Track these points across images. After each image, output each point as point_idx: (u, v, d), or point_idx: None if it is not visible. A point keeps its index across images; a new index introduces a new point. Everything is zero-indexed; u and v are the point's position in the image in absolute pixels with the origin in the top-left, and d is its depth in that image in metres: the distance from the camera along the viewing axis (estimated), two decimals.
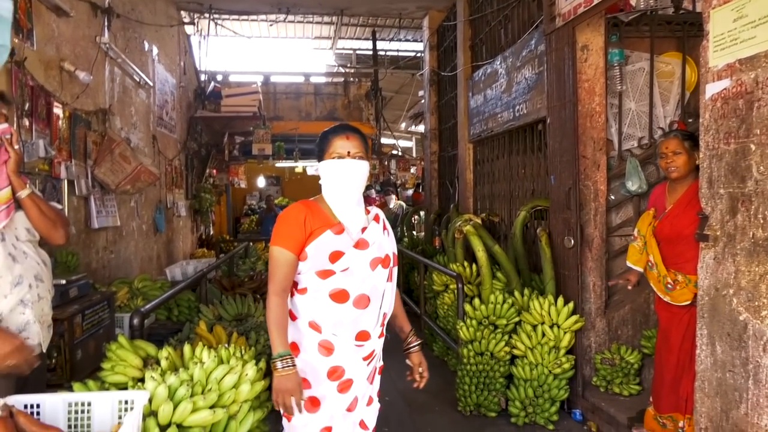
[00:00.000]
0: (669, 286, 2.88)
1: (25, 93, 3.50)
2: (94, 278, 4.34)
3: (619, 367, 3.69)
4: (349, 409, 2.00)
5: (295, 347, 1.98)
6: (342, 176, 1.96)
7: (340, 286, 1.93)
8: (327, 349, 1.95)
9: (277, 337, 1.87)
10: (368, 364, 2.02)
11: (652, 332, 3.68)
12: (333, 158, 1.96)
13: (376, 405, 2.15)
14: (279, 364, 1.83)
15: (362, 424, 2.08)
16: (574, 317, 3.68)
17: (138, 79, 5.98)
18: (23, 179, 2.05)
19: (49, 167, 3.87)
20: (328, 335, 1.95)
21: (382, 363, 2.17)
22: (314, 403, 1.95)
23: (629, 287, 3.24)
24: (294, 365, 1.85)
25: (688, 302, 2.78)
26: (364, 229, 2.00)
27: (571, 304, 3.71)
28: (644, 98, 3.98)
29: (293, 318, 2.01)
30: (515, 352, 3.81)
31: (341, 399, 1.97)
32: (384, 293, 2.01)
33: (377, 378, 2.15)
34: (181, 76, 8.30)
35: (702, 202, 2.36)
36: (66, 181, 4.13)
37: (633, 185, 3.79)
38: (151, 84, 6.53)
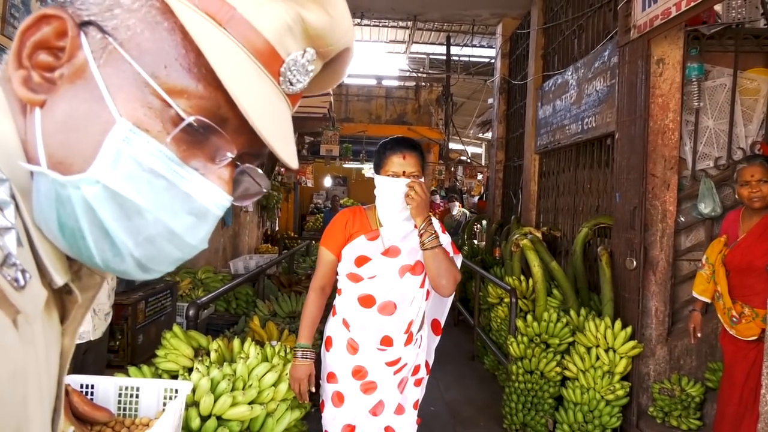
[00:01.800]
0: (734, 319, 2.70)
1: None
2: None
3: (679, 399, 3.48)
4: (373, 413, 2.03)
5: (329, 342, 2.08)
6: (395, 195, 1.98)
7: (367, 291, 2.00)
8: (353, 348, 2.03)
9: (304, 328, 2.03)
10: (395, 372, 2.03)
11: (718, 365, 3.45)
12: (388, 175, 1.98)
13: (411, 416, 2.13)
14: (299, 354, 2.01)
15: (390, 431, 2.09)
16: (632, 342, 3.50)
17: None
18: None
19: None
20: (355, 335, 2.03)
21: (422, 376, 2.16)
22: (340, 399, 2.04)
23: (698, 333, 3.04)
24: (311, 358, 2.01)
25: (755, 337, 2.59)
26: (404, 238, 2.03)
27: (629, 329, 3.54)
28: (724, 116, 3.73)
29: (333, 314, 2.12)
30: (566, 373, 3.68)
31: (364, 400, 2.02)
32: (413, 300, 2.03)
33: (413, 389, 2.13)
34: None
35: None
36: None
37: (706, 208, 3.57)
38: None
